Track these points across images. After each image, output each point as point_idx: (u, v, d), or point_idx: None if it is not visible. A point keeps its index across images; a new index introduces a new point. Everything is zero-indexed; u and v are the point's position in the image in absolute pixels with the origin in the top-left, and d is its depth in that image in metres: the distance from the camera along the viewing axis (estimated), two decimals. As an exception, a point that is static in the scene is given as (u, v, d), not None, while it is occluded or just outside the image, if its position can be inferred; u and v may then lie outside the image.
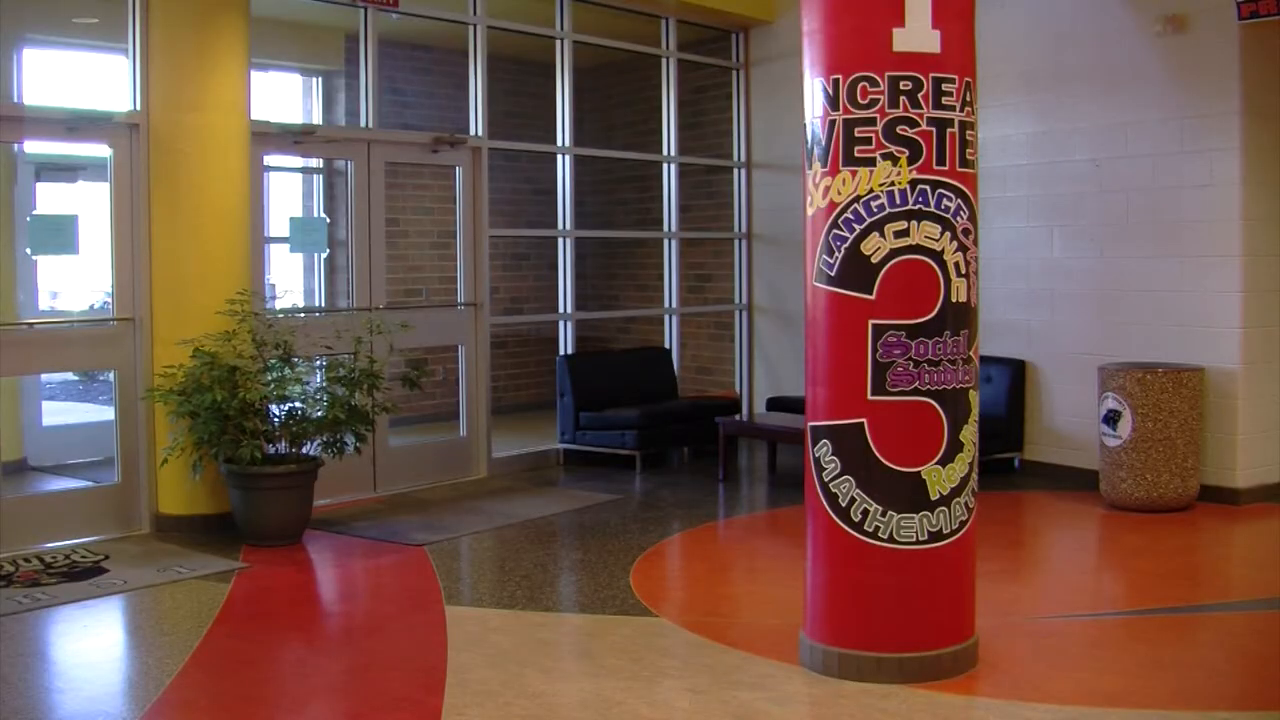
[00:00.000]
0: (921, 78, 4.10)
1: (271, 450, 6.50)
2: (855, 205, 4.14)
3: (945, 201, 4.14)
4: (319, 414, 6.66)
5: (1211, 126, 7.25)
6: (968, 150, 4.21)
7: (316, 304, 9.87)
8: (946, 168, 4.14)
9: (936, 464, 4.17)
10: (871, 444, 4.16)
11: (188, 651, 4.73)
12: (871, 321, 4.14)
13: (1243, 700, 4.18)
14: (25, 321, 7.82)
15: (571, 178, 9.34)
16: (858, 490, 4.18)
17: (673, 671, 4.42)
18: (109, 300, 7.10)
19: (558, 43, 8.97)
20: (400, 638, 4.98)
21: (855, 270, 4.15)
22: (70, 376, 10.57)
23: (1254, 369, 7.29)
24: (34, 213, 7.28)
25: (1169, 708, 4.05)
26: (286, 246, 8.29)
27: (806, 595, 4.44)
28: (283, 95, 10.22)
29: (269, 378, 6.51)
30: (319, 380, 7.12)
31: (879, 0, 4.13)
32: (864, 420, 4.16)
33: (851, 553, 4.22)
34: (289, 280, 10.12)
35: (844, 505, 4.20)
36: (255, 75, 7.22)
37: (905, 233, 4.11)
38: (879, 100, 4.11)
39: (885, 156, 4.11)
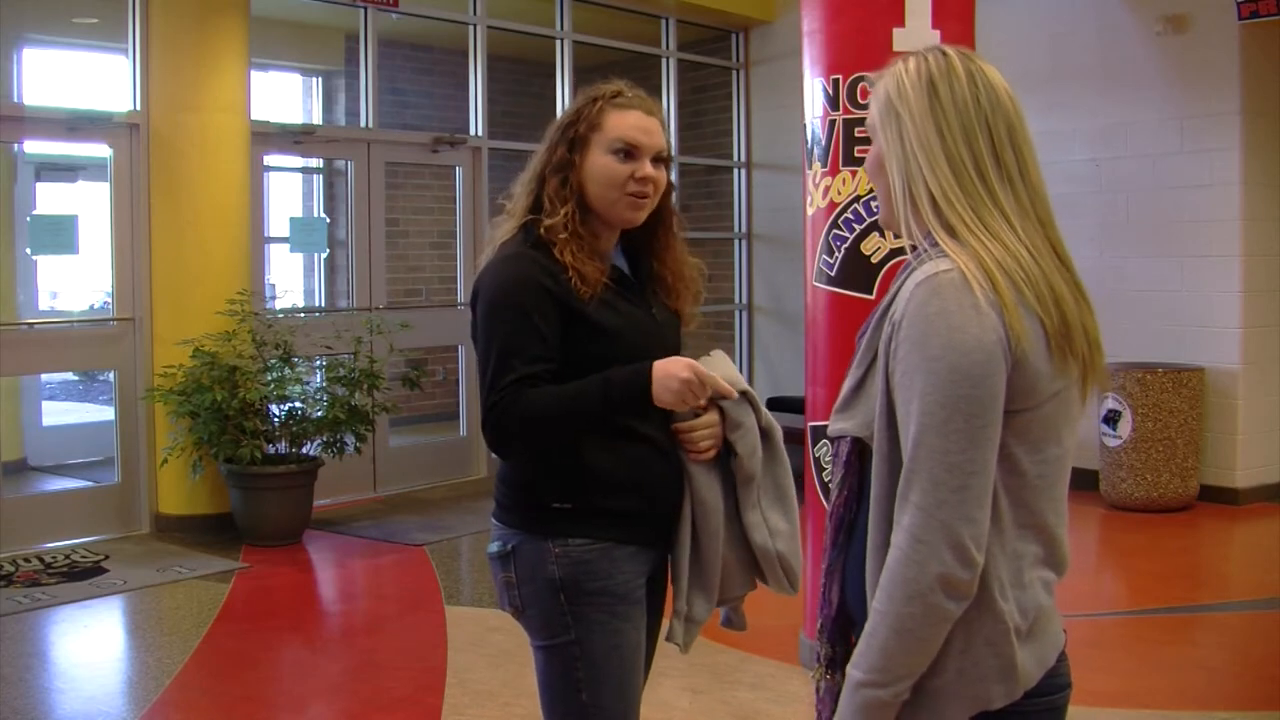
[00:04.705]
0: (921, 78, 4.09)
1: (271, 450, 6.50)
2: (855, 205, 4.14)
3: (945, 201, 4.13)
4: (319, 414, 6.66)
5: (1211, 126, 7.25)
6: (968, 150, 4.21)
7: (316, 304, 9.86)
8: (946, 168, 4.13)
9: (936, 464, 4.16)
10: (871, 444, 4.15)
11: (188, 651, 4.73)
12: (871, 321, 4.14)
13: (1243, 700, 4.18)
14: (25, 321, 7.82)
15: (571, 178, 9.29)
16: (858, 490, 4.17)
17: (673, 671, 4.41)
18: (109, 300, 7.10)
19: (558, 43, 8.97)
20: (400, 638, 4.98)
21: (855, 270, 4.15)
22: (70, 376, 10.57)
23: (1254, 369, 7.29)
24: (34, 213, 7.28)
25: (1168, 708, 4.05)
26: (286, 246, 8.28)
27: (806, 595, 4.43)
28: (283, 95, 10.22)
29: (269, 378, 6.51)
30: (319, 380, 7.12)
31: (879, 0, 4.13)
32: (864, 420, 4.16)
33: (851, 553, 4.21)
34: (289, 280, 10.11)
35: (844, 505, 4.19)
36: (255, 75, 7.22)
37: (905, 233, 4.11)
38: (879, 100, 4.10)
39: (885, 156, 4.11)
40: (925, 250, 1.60)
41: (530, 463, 2.23)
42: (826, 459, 4.23)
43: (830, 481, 1.74)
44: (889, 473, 1.56)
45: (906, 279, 1.60)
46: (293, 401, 6.64)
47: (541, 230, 2.21)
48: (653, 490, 2.22)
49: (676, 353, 2.35)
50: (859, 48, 4.15)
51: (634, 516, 2.21)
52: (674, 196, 2.40)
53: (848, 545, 1.69)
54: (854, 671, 1.54)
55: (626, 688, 2.23)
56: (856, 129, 4.15)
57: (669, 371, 2.13)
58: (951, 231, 1.58)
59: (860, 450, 1.68)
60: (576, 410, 2.14)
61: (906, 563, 1.50)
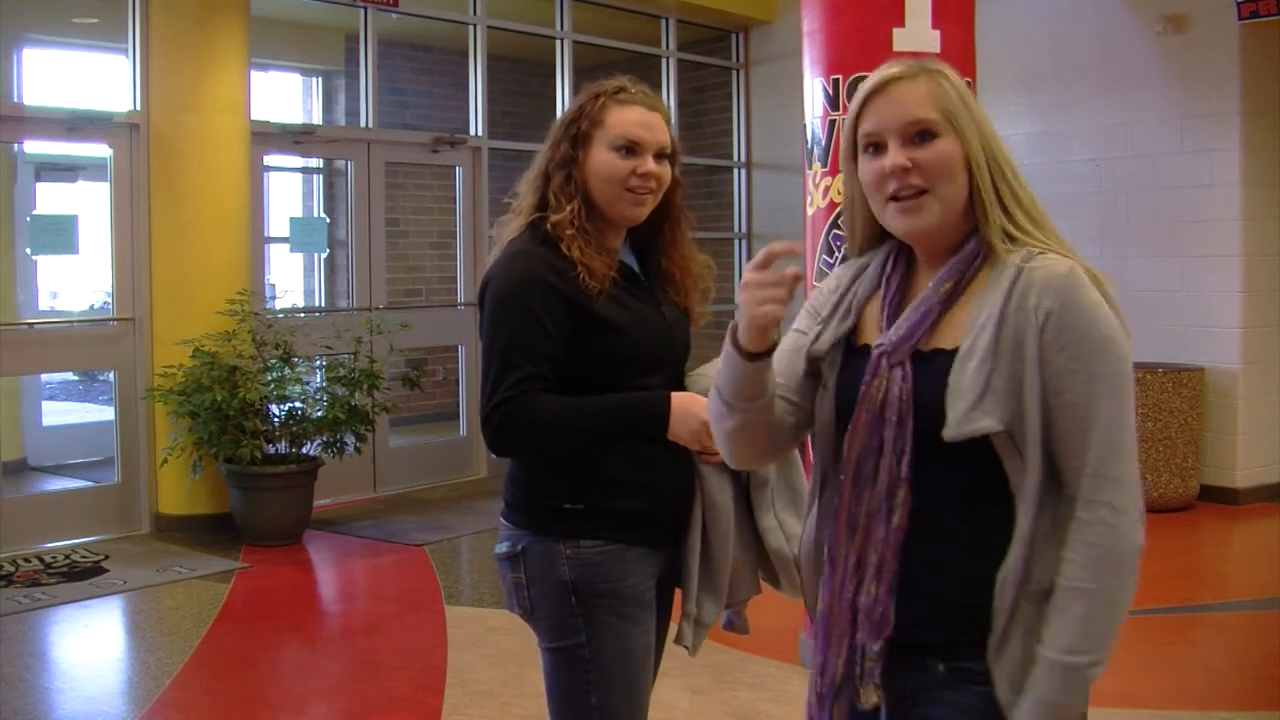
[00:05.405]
0: (921, 78, 4.09)
1: (271, 450, 6.50)
2: (855, 205, 4.13)
3: (945, 201, 4.13)
4: (319, 414, 6.65)
5: (1211, 126, 7.25)
6: (968, 150, 4.20)
7: (316, 304, 9.86)
8: (946, 168, 4.13)
9: (936, 464, 4.16)
10: (871, 444, 4.14)
11: (188, 651, 4.73)
12: (871, 321, 4.13)
13: (1243, 700, 4.18)
14: (25, 321, 7.82)
15: (571, 178, 9.29)
16: (858, 490, 4.17)
17: (673, 671, 4.40)
18: (109, 300, 7.10)
19: (558, 43, 8.97)
20: (400, 638, 4.98)
21: (855, 270, 4.14)
22: (70, 376, 10.57)
23: (1254, 369, 7.29)
24: (34, 213, 7.28)
25: (1169, 708, 4.05)
26: (286, 246, 8.29)
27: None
28: (283, 95, 10.22)
29: (269, 378, 6.51)
30: (319, 380, 7.12)
31: (879, 0, 4.13)
32: (864, 420, 4.15)
33: (851, 553, 4.21)
34: (289, 280, 10.11)
35: (844, 505, 4.19)
36: (255, 75, 7.22)
37: (905, 233, 4.10)
38: (879, 100, 4.10)
39: (885, 156, 4.10)
40: (1025, 249, 1.64)
41: (539, 463, 2.24)
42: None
43: (859, 494, 1.67)
44: (1044, 458, 1.57)
45: (1023, 270, 1.62)
46: (293, 401, 6.64)
47: (549, 226, 2.21)
48: (660, 490, 2.21)
49: (686, 351, 2.34)
50: (859, 48, 4.15)
51: (643, 517, 2.20)
52: (681, 193, 2.35)
53: (912, 553, 1.62)
54: (1072, 658, 1.52)
55: (635, 690, 2.23)
56: (856, 129, 4.14)
57: (690, 410, 2.15)
58: (1038, 231, 1.67)
59: (933, 452, 1.61)
60: (587, 426, 2.16)
61: (1120, 536, 1.53)
